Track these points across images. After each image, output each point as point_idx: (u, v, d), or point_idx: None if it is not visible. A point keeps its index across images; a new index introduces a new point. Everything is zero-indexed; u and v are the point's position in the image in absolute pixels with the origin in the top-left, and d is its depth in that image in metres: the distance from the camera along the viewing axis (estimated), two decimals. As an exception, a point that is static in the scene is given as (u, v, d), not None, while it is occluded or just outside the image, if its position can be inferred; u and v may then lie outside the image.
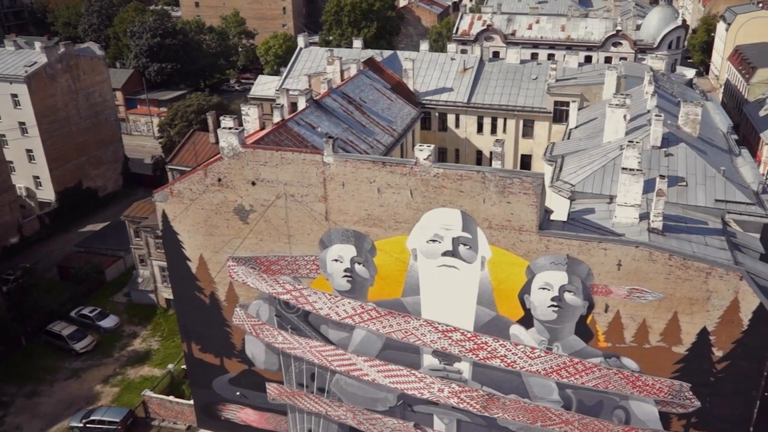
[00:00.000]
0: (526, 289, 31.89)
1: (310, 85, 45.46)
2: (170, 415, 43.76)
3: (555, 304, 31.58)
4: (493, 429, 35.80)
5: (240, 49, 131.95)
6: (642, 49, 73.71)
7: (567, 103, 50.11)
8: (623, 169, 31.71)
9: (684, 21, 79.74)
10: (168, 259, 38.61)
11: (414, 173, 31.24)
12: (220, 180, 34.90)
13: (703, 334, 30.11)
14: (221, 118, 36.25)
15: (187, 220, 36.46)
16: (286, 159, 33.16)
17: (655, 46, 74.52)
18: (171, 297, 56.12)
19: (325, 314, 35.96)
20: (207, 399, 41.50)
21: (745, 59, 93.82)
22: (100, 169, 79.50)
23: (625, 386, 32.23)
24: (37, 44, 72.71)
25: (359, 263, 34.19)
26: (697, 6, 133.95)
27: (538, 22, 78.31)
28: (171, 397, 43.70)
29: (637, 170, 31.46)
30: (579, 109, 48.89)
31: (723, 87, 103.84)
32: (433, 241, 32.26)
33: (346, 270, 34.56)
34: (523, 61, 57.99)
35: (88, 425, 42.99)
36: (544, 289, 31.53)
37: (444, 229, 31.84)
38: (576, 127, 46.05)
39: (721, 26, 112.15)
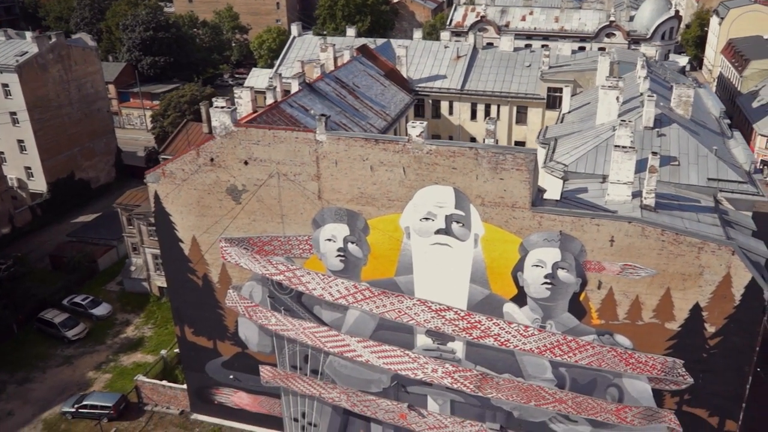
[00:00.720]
0: (519, 267, 31.88)
1: (303, 71, 45.35)
2: (163, 399, 43.52)
3: (548, 281, 31.58)
4: (486, 409, 35.78)
5: (233, 45, 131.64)
6: (635, 40, 73.86)
7: (560, 90, 50.16)
8: (616, 146, 31.74)
9: (677, 12, 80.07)
10: (160, 240, 38.43)
11: (407, 150, 31.18)
12: (212, 160, 34.76)
13: (696, 309, 30.16)
14: (213, 99, 36.11)
15: (180, 200, 36.31)
16: (279, 137, 33.05)
17: (648, 36, 74.69)
18: (164, 285, 55.92)
19: (318, 295, 35.86)
20: (200, 383, 41.34)
21: (738, 52, 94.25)
22: (93, 161, 79.06)
23: (618, 363, 32.25)
24: (28, 34, 72.31)
25: (352, 242, 34.11)
26: (690, 1, 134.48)
27: (531, 13, 78.45)
28: (164, 382, 43.45)
29: (630, 147, 31.49)
30: (572, 96, 48.95)
31: (716, 81, 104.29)
32: (426, 219, 32.21)
33: (339, 249, 34.47)
34: (516, 49, 58.07)
35: (80, 410, 42.72)
36: (537, 266, 31.53)
37: (437, 207, 31.80)
38: (569, 112, 46.09)
39: (714, 20, 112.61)
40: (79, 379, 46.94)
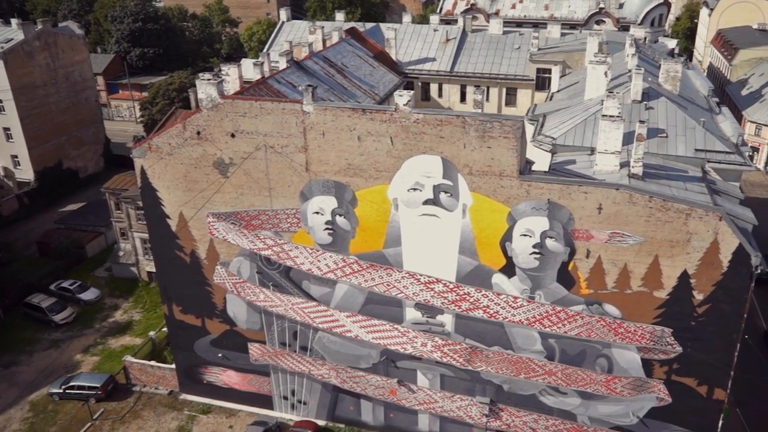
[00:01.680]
0: (507, 237, 31.80)
1: (291, 51, 45.09)
2: (152, 380, 43.16)
3: (537, 250, 31.52)
4: (476, 383, 35.69)
5: (224, 38, 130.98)
6: (625, 27, 73.90)
7: (549, 71, 50.18)
8: (603, 116, 31.70)
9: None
10: (147, 217, 38.10)
11: (394, 120, 31.03)
12: (199, 133, 34.47)
13: (684, 277, 30.18)
14: (200, 74, 35.77)
15: (167, 175, 35.99)
16: (266, 109, 32.80)
17: (638, 23, 74.79)
18: (153, 270, 55.51)
19: (306, 269, 35.65)
20: (189, 362, 41.03)
21: (727, 41, 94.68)
22: (81, 150, 78.40)
23: (607, 333, 32.24)
24: (14, 21, 71.53)
25: (340, 215, 33.93)
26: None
27: (521, 1, 78.51)
28: (152, 362, 43.09)
29: (617, 117, 31.45)
30: (561, 76, 48.95)
31: (706, 71, 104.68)
32: (414, 189, 32.07)
33: (327, 222, 34.28)
34: (505, 32, 58.04)
35: (67, 391, 42.30)
36: (525, 235, 31.46)
37: (425, 177, 31.67)
38: (558, 91, 46.09)
39: (704, 12, 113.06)
40: (66, 362, 46.50)
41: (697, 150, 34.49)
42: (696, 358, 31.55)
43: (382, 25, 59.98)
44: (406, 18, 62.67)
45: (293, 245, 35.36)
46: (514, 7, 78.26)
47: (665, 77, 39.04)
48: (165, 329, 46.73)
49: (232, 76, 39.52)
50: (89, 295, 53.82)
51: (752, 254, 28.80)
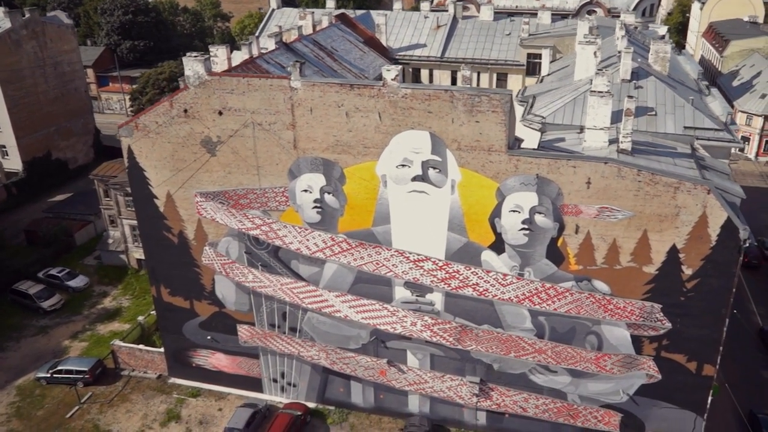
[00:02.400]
0: (496, 213, 31.67)
1: (281, 33, 44.81)
2: (140, 364, 42.81)
3: (526, 226, 31.41)
4: (466, 363, 35.56)
5: (215, 32, 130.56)
6: (616, 16, 73.98)
7: (539, 56, 50.13)
8: (592, 92, 31.62)
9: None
10: (135, 198, 37.77)
11: (382, 95, 30.84)
12: (186, 111, 34.16)
13: (673, 252, 30.13)
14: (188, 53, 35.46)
15: (154, 155, 35.67)
16: (253, 85, 32.54)
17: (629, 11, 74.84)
18: (142, 257, 55.05)
19: (295, 249, 35.42)
20: (177, 345, 40.72)
21: (718, 33, 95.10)
22: (70, 141, 77.84)
23: (596, 310, 32.17)
24: (0, 9, 70.84)
25: (329, 192, 33.71)
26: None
27: (513, -8, 78.60)
28: (141, 346, 42.77)
29: (606, 93, 31.37)
30: (551, 61, 48.91)
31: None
32: (403, 165, 31.90)
33: (315, 200, 34.06)
34: (496, 18, 58.00)
35: (54, 375, 41.91)
36: (514, 211, 31.34)
37: (413, 153, 31.49)
38: (548, 75, 46.03)
39: (695, 6, 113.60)
40: (54, 348, 46.10)
41: (685, 127, 34.49)
42: (685, 334, 31.52)
43: (373, 12, 59.81)
44: (397, 5, 62.56)
45: (281, 224, 35.12)
46: (505, -3, 78.26)
47: (654, 58, 39.04)
48: (154, 313, 46.50)
49: (220, 57, 39.20)
50: (78, 282, 53.40)
51: (740, 228, 28.78)
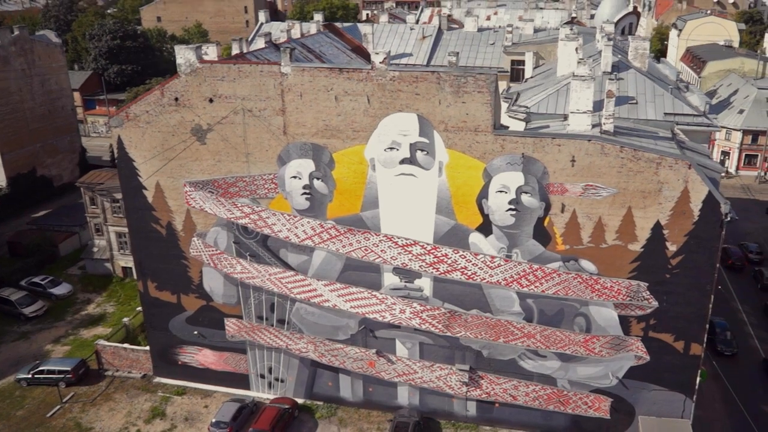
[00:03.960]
0: (483, 194, 32.15)
1: (270, 34, 45.72)
2: (125, 364, 42.06)
3: (512, 207, 31.89)
4: (455, 350, 35.50)
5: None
6: (594, 37, 76.41)
7: (523, 62, 51.48)
8: (574, 76, 32.57)
9: (635, 8, 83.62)
10: (123, 190, 37.78)
11: (371, 78, 31.53)
12: (177, 99, 34.59)
13: (657, 228, 30.70)
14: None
15: (144, 144, 35.90)
16: (244, 72, 33.14)
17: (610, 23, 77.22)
18: (128, 265, 54.76)
19: (284, 237, 35.51)
20: (163, 342, 40.20)
21: (696, 56, 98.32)
22: (56, 158, 77.66)
23: (584, 291, 32.47)
24: (-10, 26, 71.60)
25: (318, 178, 34.05)
26: (650, 21, 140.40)
27: (496, 13, 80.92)
28: (125, 345, 42.12)
29: (588, 77, 32.33)
30: (534, 67, 50.25)
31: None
32: (391, 148, 32.41)
33: (304, 187, 34.35)
34: (480, 29, 59.66)
35: (36, 376, 41.01)
36: (501, 192, 31.84)
37: (401, 135, 32.06)
38: (532, 77, 47.24)
39: (673, 33, 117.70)
40: (35, 352, 45.16)
41: (666, 114, 35.51)
42: (672, 312, 31.86)
43: (359, 24, 61.31)
44: (383, 18, 64.25)
45: (270, 212, 35.27)
46: (489, 18, 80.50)
47: (634, 54, 40.35)
48: (139, 315, 45.99)
49: (210, 55, 39.80)
50: (61, 289, 52.69)
51: (721, 202, 29.49)
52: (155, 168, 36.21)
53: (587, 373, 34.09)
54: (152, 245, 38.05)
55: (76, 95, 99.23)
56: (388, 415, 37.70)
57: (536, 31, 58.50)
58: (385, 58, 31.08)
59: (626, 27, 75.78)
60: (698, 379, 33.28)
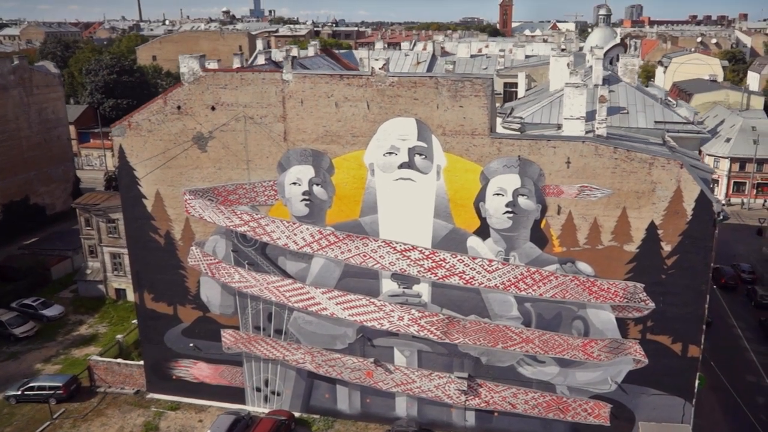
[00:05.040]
0: (481, 197, 32.67)
1: (270, 52, 46.89)
2: (117, 380, 41.36)
3: (509, 209, 32.38)
4: (454, 357, 35.38)
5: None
6: (582, 69, 78.69)
7: (516, 85, 52.86)
8: (567, 84, 33.60)
9: (622, 40, 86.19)
10: (123, 199, 37.97)
11: (370, 84, 32.38)
12: (179, 108, 35.22)
13: (652, 228, 31.24)
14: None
15: (145, 153, 36.31)
16: (246, 79, 33.90)
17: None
18: (121, 287, 54.52)
19: (282, 244, 35.68)
20: (158, 356, 39.73)
21: (682, 90, 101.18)
22: (50, 187, 77.72)
23: (581, 293, 32.72)
24: (-9, 56, 72.65)
25: (317, 184, 34.49)
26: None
27: (487, 46, 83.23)
28: (119, 360, 41.54)
29: (581, 84, 33.38)
30: (527, 90, 51.64)
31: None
32: (390, 153, 33.02)
33: (304, 193, 34.74)
34: (473, 56, 61.36)
35: (25, 393, 40.18)
36: (498, 194, 32.39)
37: (400, 140, 32.72)
38: (525, 96, 48.48)
39: (659, 71, 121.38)
40: (25, 371, 44.33)
41: (656, 122, 36.54)
42: (669, 313, 32.10)
43: (355, 51, 62.97)
44: (378, 44, 65.97)
45: (270, 219, 35.53)
46: (480, 51, 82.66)
47: (623, 70, 41.73)
48: (132, 334, 45.55)
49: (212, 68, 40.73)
50: (52, 311, 52.12)
51: (713, 201, 30.16)
52: (156, 176, 36.53)
53: (586, 379, 34.01)
54: (150, 255, 38.04)
55: (71, 128, 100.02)
56: (386, 427, 37.20)
57: (528, 57, 60.22)
58: (384, 65, 32.00)
59: (614, 58, 78.01)
60: (696, 383, 33.29)
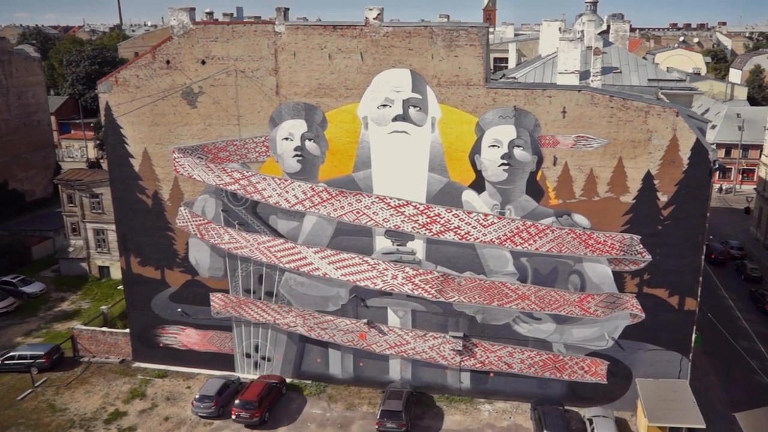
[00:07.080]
0: (476, 149, 32.30)
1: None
2: (102, 350, 40.18)
3: (505, 161, 32.05)
4: (449, 317, 34.84)
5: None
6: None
7: (506, 59, 52.83)
8: (561, 38, 33.46)
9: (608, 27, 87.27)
10: (109, 160, 37.08)
11: (364, 34, 31.93)
12: (168, 62, 34.48)
13: (648, 179, 31.08)
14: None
15: (132, 110, 35.47)
16: (238, 32, 33.30)
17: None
18: (105, 264, 53.30)
19: (274, 202, 34.99)
20: (145, 323, 38.70)
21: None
22: (29, 173, 76.04)
23: (578, 246, 32.42)
24: (-30, 37, 71.18)
25: (310, 139, 33.89)
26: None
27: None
28: (104, 328, 40.39)
29: (575, 38, 33.25)
30: (517, 63, 51.62)
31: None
32: (384, 105, 32.55)
33: (296, 148, 34.11)
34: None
35: (6, 362, 38.88)
36: (494, 146, 32.04)
37: (394, 92, 32.27)
38: (516, 67, 48.49)
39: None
40: (5, 344, 42.93)
41: (650, 80, 36.55)
42: (665, 265, 31.89)
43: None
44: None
45: (261, 176, 34.82)
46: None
47: (615, 36, 41.78)
48: (117, 305, 44.48)
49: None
50: (33, 288, 50.81)
51: (709, 149, 30.10)
52: (143, 134, 35.71)
53: (583, 335, 33.66)
54: (137, 217, 37.11)
55: (51, 119, 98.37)
56: (379, 390, 36.46)
57: (517, 35, 60.32)
58: (378, 14, 31.59)
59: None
60: (693, 338, 33.11)
